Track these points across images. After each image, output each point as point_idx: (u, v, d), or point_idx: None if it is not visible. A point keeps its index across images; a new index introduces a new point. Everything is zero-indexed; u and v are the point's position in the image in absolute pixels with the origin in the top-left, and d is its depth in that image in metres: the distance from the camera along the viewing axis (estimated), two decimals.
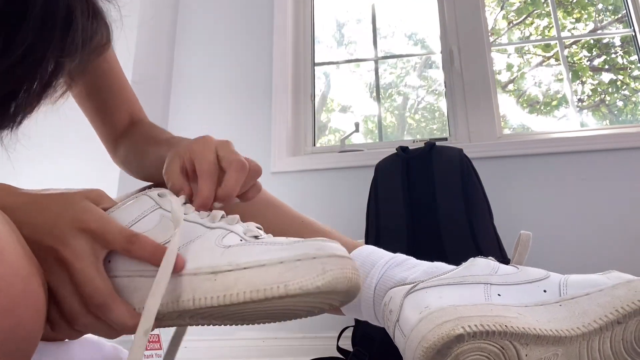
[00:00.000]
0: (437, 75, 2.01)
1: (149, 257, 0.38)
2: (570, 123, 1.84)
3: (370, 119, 2.06)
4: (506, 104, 2.02)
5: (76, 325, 0.38)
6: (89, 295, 0.36)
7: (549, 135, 1.72)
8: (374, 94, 2.03)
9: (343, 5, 2.19)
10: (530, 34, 2.20)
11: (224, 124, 1.85)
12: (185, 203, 0.44)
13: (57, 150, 1.58)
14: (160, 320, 0.38)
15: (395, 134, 2.10)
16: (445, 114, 1.88)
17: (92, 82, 0.67)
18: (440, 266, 0.52)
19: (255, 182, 0.50)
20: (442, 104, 1.95)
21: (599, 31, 2.08)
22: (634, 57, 1.88)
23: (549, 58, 2.05)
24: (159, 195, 0.43)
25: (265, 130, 1.82)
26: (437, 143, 1.43)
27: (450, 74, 1.86)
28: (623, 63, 1.97)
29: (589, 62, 2.09)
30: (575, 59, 2.08)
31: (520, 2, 2.16)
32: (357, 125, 1.90)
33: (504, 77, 2.08)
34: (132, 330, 0.36)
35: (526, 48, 2.11)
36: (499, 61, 2.06)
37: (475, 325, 0.40)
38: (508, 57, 2.08)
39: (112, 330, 0.38)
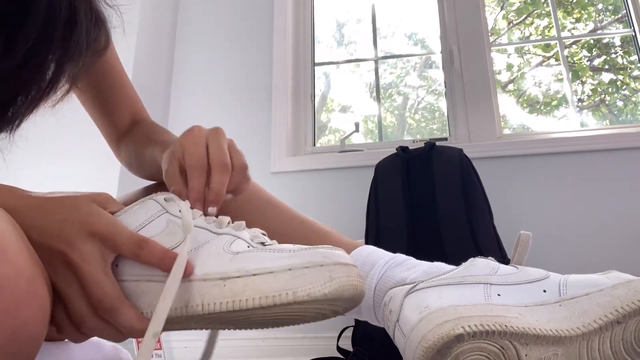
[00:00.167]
0: (437, 75, 2.01)
1: (158, 262, 0.38)
2: (570, 123, 1.84)
3: (370, 119, 2.06)
4: (506, 104, 2.02)
5: (83, 328, 0.38)
6: (98, 299, 0.36)
7: (549, 135, 1.72)
8: (374, 94, 2.03)
9: (343, 5, 2.19)
10: (530, 34, 2.20)
11: (224, 125, 1.82)
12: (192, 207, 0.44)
13: (56, 150, 1.57)
14: (167, 324, 0.38)
15: (395, 134, 2.10)
16: (445, 114, 1.88)
17: (93, 82, 0.67)
18: (440, 266, 0.52)
19: (243, 176, 0.49)
20: (442, 104, 1.95)
21: (599, 31, 2.08)
22: (634, 57, 1.88)
23: (549, 58, 2.05)
24: (165, 199, 0.43)
25: (265, 130, 1.82)
26: (437, 143, 1.43)
27: (450, 74, 1.86)
28: (623, 63, 1.97)
29: (589, 62, 2.09)
30: (575, 59, 2.08)
31: (520, 2, 2.16)
32: (357, 125, 1.90)
33: (504, 77, 2.08)
34: (139, 334, 0.36)
35: (526, 48, 2.11)
36: (499, 61, 2.06)
37: (475, 325, 0.40)
38: (508, 57, 2.08)
39: (119, 333, 0.38)
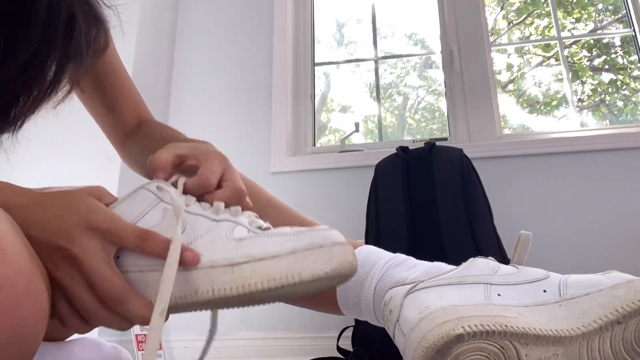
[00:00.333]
0: (437, 75, 2.01)
1: (162, 252, 0.38)
2: (570, 123, 1.84)
3: (370, 119, 2.06)
4: (506, 104, 2.02)
5: (91, 319, 0.38)
6: (106, 293, 0.36)
7: (549, 135, 1.72)
8: (374, 94, 2.03)
9: (343, 5, 2.19)
10: (530, 34, 2.20)
11: (224, 125, 1.85)
12: (185, 193, 0.44)
13: (57, 150, 1.58)
14: (175, 309, 0.40)
15: (395, 134, 2.10)
16: (445, 114, 1.88)
17: (94, 82, 0.67)
18: (440, 266, 0.52)
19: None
20: (442, 104, 1.95)
21: (599, 31, 2.08)
22: (634, 57, 1.88)
23: (549, 58, 2.05)
24: (157, 188, 0.43)
25: (265, 130, 1.82)
26: (437, 143, 1.43)
27: (450, 74, 1.86)
28: (623, 63, 1.97)
29: (589, 62, 2.09)
30: (575, 59, 2.08)
31: (520, 2, 2.16)
32: (357, 125, 1.90)
33: (504, 77, 2.08)
34: (149, 321, 0.36)
35: (526, 48, 2.11)
36: (499, 61, 2.06)
37: (475, 325, 0.40)
38: (508, 57, 2.08)
39: (127, 322, 0.39)
